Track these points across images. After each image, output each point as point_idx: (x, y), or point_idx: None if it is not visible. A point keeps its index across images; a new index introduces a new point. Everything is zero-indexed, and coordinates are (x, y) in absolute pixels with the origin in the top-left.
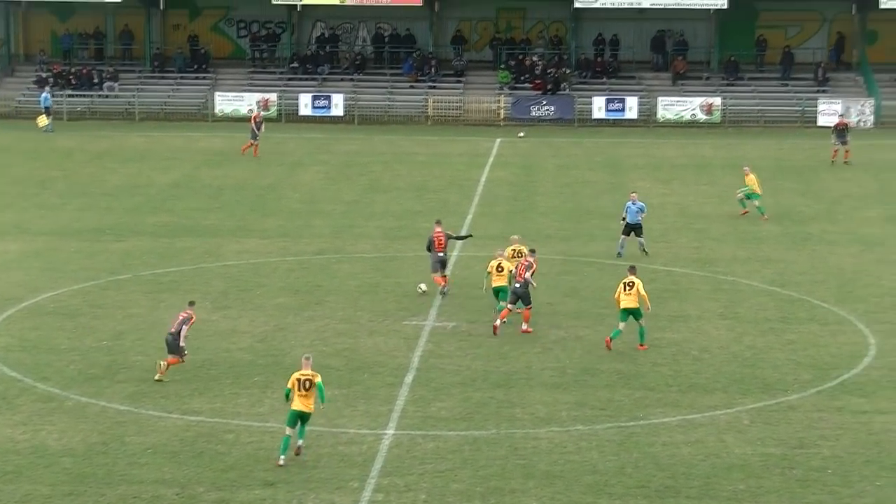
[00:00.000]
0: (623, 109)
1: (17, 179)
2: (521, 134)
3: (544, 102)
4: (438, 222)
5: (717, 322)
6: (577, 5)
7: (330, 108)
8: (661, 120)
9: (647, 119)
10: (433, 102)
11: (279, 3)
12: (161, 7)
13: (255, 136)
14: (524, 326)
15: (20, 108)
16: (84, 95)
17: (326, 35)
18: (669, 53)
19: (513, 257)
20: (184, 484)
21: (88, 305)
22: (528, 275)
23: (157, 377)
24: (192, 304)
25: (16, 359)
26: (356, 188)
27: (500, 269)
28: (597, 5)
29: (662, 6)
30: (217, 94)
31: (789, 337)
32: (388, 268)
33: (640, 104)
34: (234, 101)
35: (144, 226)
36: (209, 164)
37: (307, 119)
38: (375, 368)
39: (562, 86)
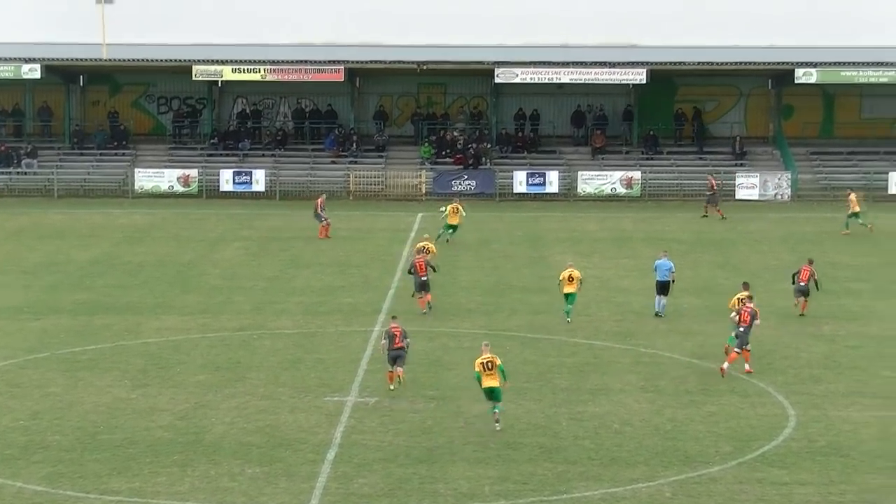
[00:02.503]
0: (544, 183)
1: None
2: (443, 209)
3: (466, 177)
4: (420, 250)
5: (639, 395)
6: (497, 80)
7: (251, 183)
8: (582, 194)
9: (568, 193)
10: (354, 177)
11: (200, 78)
12: (81, 83)
13: (320, 219)
14: (746, 367)
15: None
16: (2, 172)
17: (248, 111)
18: (589, 128)
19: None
20: None
21: (5, 384)
22: (755, 321)
23: (391, 387)
24: (394, 318)
25: None
26: (277, 264)
27: (570, 279)
28: (517, 80)
29: (582, 81)
30: (137, 170)
31: (710, 409)
32: (309, 343)
33: (560, 178)
34: (154, 178)
35: (63, 303)
36: (129, 240)
37: (228, 195)
38: (297, 445)
39: (483, 160)
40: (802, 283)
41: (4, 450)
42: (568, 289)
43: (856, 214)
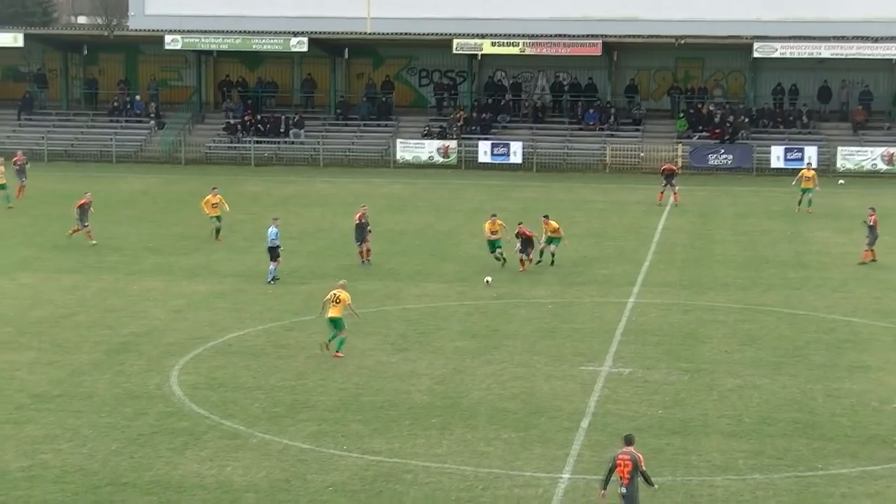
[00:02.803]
0: (802, 159)
1: (206, 223)
2: (488, 279)
3: (722, 151)
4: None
5: None
6: (755, 55)
7: (509, 155)
8: (841, 169)
9: (827, 168)
10: (611, 150)
11: (460, 52)
12: (345, 56)
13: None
14: None
15: (210, 154)
16: (271, 142)
17: (507, 83)
18: (849, 103)
19: None
20: None
21: (272, 345)
22: None
23: None
24: None
25: (203, 396)
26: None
27: None
28: (776, 55)
29: (843, 56)
30: (399, 141)
31: None
32: (565, 313)
33: (819, 153)
34: (414, 148)
35: (327, 268)
36: (390, 209)
37: (486, 166)
38: (552, 412)
39: (740, 134)
40: None
41: (272, 408)
42: None
43: None
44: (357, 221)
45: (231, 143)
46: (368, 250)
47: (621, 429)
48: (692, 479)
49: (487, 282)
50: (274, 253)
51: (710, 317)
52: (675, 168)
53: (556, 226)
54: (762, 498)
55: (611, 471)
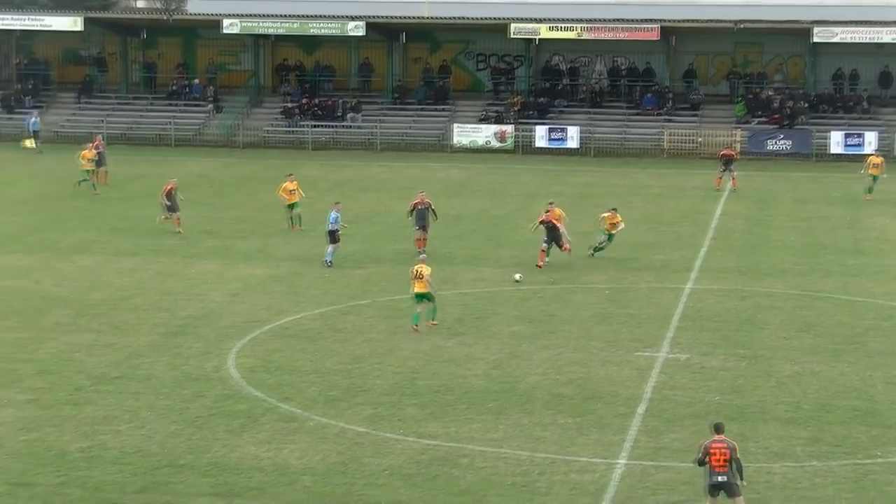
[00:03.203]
0: (862, 144)
1: (263, 206)
2: (518, 276)
3: (781, 136)
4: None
5: None
6: (815, 40)
7: (565, 140)
8: None
9: (887, 154)
10: (669, 135)
11: (517, 36)
12: (402, 41)
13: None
14: None
15: (267, 137)
16: (328, 126)
17: (563, 68)
18: None
19: None
20: None
21: (329, 329)
22: None
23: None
24: None
25: (260, 379)
26: (590, 220)
27: None
28: (835, 40)
29: None
30: (455, 125)
31: None
32: (622, 298)
33: (879, 139)
34: (471, 133)
35: (383, 253)
36: (447, 193)
37: (543, 151)
38: (608, 398)
39: (799, 119)
40: None
41: (328, 391)
42: None
43: None
44: (416, 207)
45: (288, 127)
46: (425, 239)
47: (677, 415)
48: (749, 466)
49: (517, 279)
50: (333, 236)
51: (768, 303)
52: (733, 153)
53: (619, 219)
54: (820, 486)
55: (701, 461)
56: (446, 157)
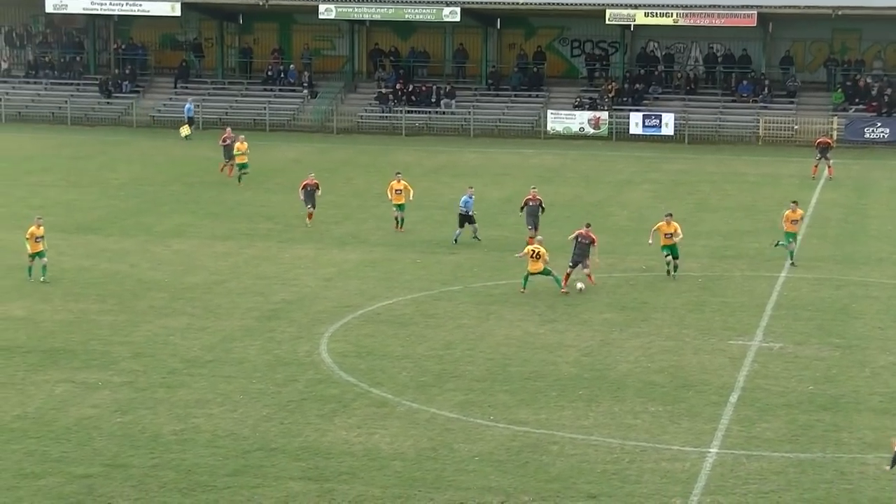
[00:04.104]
0: None
1: (357, 192)
2: (580, 286)
3: (879, 124)
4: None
5: None
6: None
7: (660, 126)
8: None
9: None
10: (765, 122)
11: (613, 22)
12: (497, 26)
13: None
14: None
15: (362, 123)
16: (422, 111)
17: (659, 54)
18: None
19: None
20: (509, 493)
21: (421, 315)
22: None
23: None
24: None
25: (352, 364)
26: (684, 207)
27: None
28: None
29: None
30: (549, 111)
31: None
32: (715, 287)
33: None
34: (565, 119)
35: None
36: (540, 180)
37: (637, 138)
38: (700, 386)
39: None
40: None
41: (420, 377)
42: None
43: None
44: (528, 203)
45: (382, 112)
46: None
47: (770, 404)
48: (843, 457)
49: (580, 289)
50: (467, 219)
51: (864, 292)
52: (829, 141)
53: (676, 226)
54: None
55: None
56: (540, 143)
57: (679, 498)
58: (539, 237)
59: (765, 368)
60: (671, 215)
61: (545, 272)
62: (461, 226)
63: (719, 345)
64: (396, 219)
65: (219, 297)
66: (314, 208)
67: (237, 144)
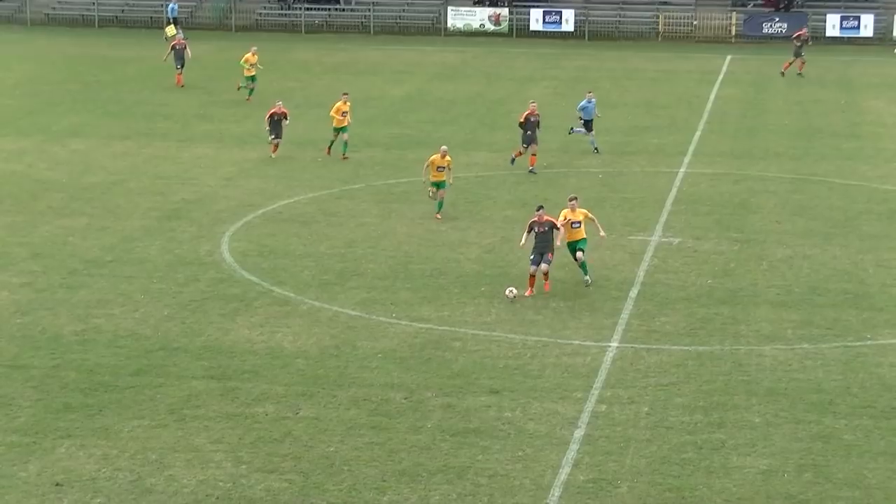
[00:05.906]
0: (858, 27)
1: (258, 91)
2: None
3: (777, 19)
4: None
5: None
6: None
7: (561, 23)
8: None
9: (883, 38)
10: (664, 19)
11: None
12: None
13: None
14: None
15: (260, 20)
16: (321, 8)
17: None
18: None
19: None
20: (412, 389)
21: (322, 213)
22: None
23: None
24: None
25: (254, 263)
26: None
27: None
28: None
29: None
30: (450, 8)
31: None
32: (615, 183)
33: (875, 21)
34: (465, 16)
35: (377, 137)
36: (441, 77)
37: (538, 34)
38: (600, 282)
39: (795, 2)
40: None
41: (322, 275)
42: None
43: None
44: (528, 118)
45: (281, 10)
46: (535, 154)
47: (670, 298)
48: (740, 349)
49: (509, 294)
50: (589, 125)
51: (762, 187)
52: (802, 33)
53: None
54: (810, 367)
55: None
56: (441, 40)
57: (580, 391)
58: (444, 147)
59: (664, 263)
60: (576, 199)
61: (441, 186)
62: (589, 130)
63: (619, 240)
64: (332, 143)
65: (118, 196)
66: (280, 139)
67: (247, 56)
